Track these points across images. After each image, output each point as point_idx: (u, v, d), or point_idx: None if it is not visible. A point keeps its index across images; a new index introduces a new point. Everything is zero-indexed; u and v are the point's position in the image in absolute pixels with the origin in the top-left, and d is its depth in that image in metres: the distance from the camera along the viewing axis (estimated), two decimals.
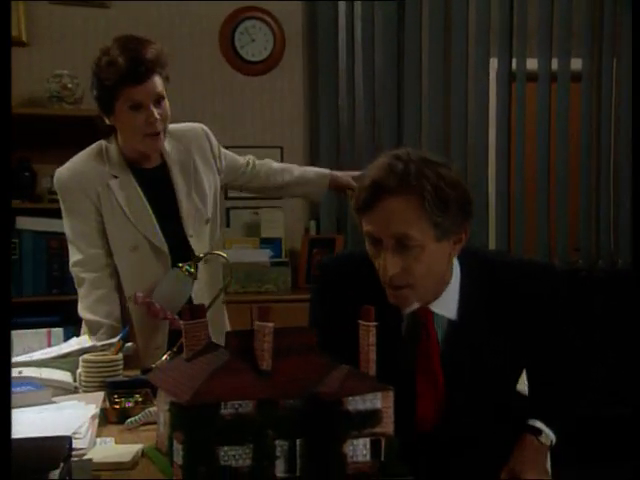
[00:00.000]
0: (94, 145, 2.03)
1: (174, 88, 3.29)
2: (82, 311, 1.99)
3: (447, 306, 1.46)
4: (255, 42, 3.64)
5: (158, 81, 1.91)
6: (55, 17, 3.37)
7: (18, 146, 3.19)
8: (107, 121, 1.95)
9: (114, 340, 1.80)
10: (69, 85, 3.22)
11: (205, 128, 2.14)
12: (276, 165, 2.33)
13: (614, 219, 3.83)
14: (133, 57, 1.86)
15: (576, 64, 3.77)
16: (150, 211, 1.99)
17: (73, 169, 2.00)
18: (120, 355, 1.72)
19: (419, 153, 1.39)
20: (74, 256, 2.00)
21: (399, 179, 1.33)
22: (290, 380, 1.11)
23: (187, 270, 1.97)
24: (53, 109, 3.25)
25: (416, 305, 1.45)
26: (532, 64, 3.73)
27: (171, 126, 2.08)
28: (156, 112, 1.90)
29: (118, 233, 1.98)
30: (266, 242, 3.61)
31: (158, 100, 1.91)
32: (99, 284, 1.98)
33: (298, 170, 2.35)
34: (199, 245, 2.02)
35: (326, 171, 2.37)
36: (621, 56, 3.78)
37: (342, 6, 3.65)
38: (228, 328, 2.15)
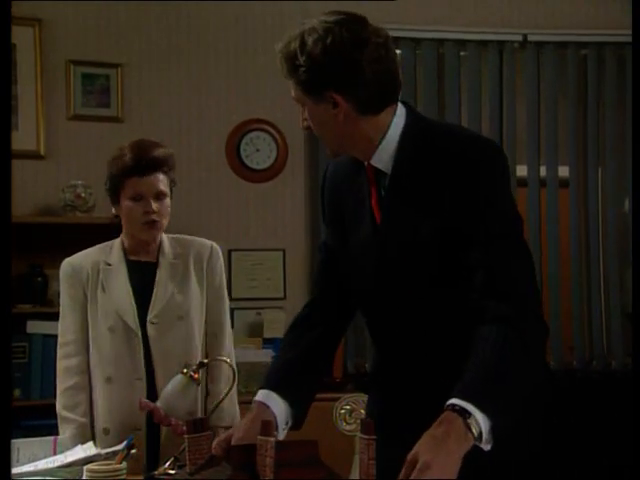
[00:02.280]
0: (103, 243, 2.20)
1: (182, 194, 3.48)
2: (58, 401, 2.09)
3: (384, 162, 1.46)
4: (259, 152, 3.83)
5: (162, 179, 2.08)
6: (71, 132, 3.57)
7: (31, 252, 3.33)
8: (114, 211, 2.13)
9: (118, 448, 1.85)
10: (82, 194, 3.38)
11: (215, 245, 2.21)
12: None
13: (606, 322, 3.91)
14: (139, 153, 2.06)
15: (563, 172, 3.95)
16: (131, 295, 2.10)
17: (75, 259, 2.16)
18: (124, 464, 1.72)
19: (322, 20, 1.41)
20: (61, 337, 2.13)
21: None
22: None
23: (191, 376, 2.05)
24: (66, 217, 3.39)
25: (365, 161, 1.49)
26: (522, 171, 3.90)
27: (184, 236, 2.23)
28: (154, 205, 2.06)
29: (97, 314, 2.09)
30: (269, 342, 3.68)
31: (159, 196, 2.08)
32: (77, 370, 2.09)
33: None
34: (160, 335, 2.08)
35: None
36: (606, 165, 3.96)
37: None
38: None
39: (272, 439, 1.18)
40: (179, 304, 2.12)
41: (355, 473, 1.98)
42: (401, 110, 1.48)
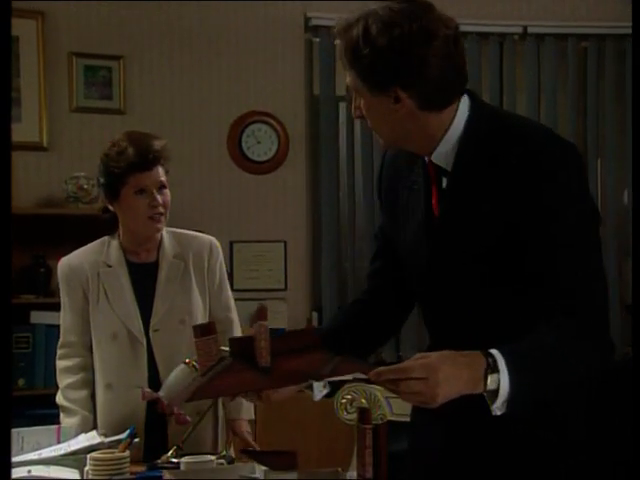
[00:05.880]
0: (99, 240, 2.17)
1: (184, 186, 3.51)
2: (60, 394, 2.11)
3: (445, 157, 1.39)
4: (261, 144, 3.85)
5: (162, 171, 2.07)
6: (74, 124, 3.58)
7: (34, 243, 3.35)
8: (110, 207, 2.10)
9: (121, 437, 1.86)
10: (85, 186, 3.39)
11: (214, 242, 2.19)
12: None
13: None
14: (141, 147, 2.04)
15: None
16: (135, 301, 2.09)
17: (72, 258, 2.15)
18: (127, 452, 1.74)
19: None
20: (62, 337, 2.14)
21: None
22: (289, 373, 1.19)
23: (194, 365, 2.07)
24: (69, 208, 3.40)
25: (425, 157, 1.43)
26: None
27: (181, 230, 2.22)
28: (159, 197, 2.05)
29: (100, 320, 2.09)
30: (270, 332, 3.71)
31: (161, 188, 2.07)
32: (77, 370, 2.10)
33: None
34: (163, 341, 2.08)
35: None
36: (605, 157, 3.97)
37: (342, 107, 3.88)
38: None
39: (265, 323, 1.22)
40: (181, 307, 2.10)
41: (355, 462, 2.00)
42: (464, 103, 1.40)
